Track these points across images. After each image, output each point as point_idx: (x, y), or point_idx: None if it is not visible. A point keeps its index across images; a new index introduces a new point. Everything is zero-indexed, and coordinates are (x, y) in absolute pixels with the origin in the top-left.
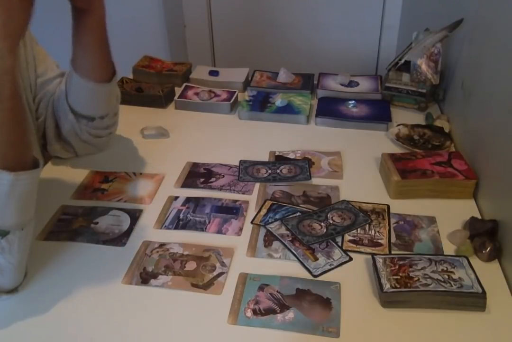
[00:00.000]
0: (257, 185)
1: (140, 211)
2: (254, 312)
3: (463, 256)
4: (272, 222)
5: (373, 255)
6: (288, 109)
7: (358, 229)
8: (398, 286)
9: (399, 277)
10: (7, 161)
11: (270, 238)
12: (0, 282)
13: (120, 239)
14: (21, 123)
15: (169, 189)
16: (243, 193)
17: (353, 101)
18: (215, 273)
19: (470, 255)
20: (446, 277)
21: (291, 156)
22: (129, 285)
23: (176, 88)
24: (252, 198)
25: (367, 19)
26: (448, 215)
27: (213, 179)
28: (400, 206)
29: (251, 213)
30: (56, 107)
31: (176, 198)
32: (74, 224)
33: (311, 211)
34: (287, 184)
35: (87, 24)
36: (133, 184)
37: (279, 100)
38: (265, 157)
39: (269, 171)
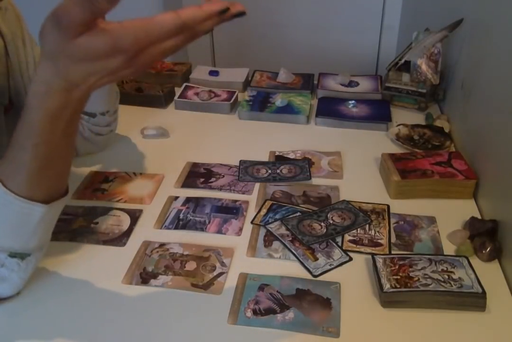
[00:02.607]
0: (257, 185)
1: (140, 211)
2: (254, 312)
3: (463, 256)
4: (272, 222)
5: (373, 255)
6: (288, 109)
7: (358, 229)
8: (398, 286)
9: (399, 277)
10: (49, 194)
11: (270, 238)
12: (5, 292)
13: (120, 239)
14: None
15: (169, 189)
16: (243, 193)
17: (353, 101)
18: (215, 273)
19: (470, 255)
20: (446, 277)
21: (291, 156)
22: (129, 285)
23: (176, 88)
24: (252, 198)
25: (367, 19)
26: (448, 215)
27: (213, 179)
28: (400, 206)
29: (251, 213)
30: None
31: (176, 198)
32: (74, 224)
33: (311, 211)
34: (287, 184)
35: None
36: (133, 184)
37: (279, 100)
38: (265, 157)
39: (269, 171)
